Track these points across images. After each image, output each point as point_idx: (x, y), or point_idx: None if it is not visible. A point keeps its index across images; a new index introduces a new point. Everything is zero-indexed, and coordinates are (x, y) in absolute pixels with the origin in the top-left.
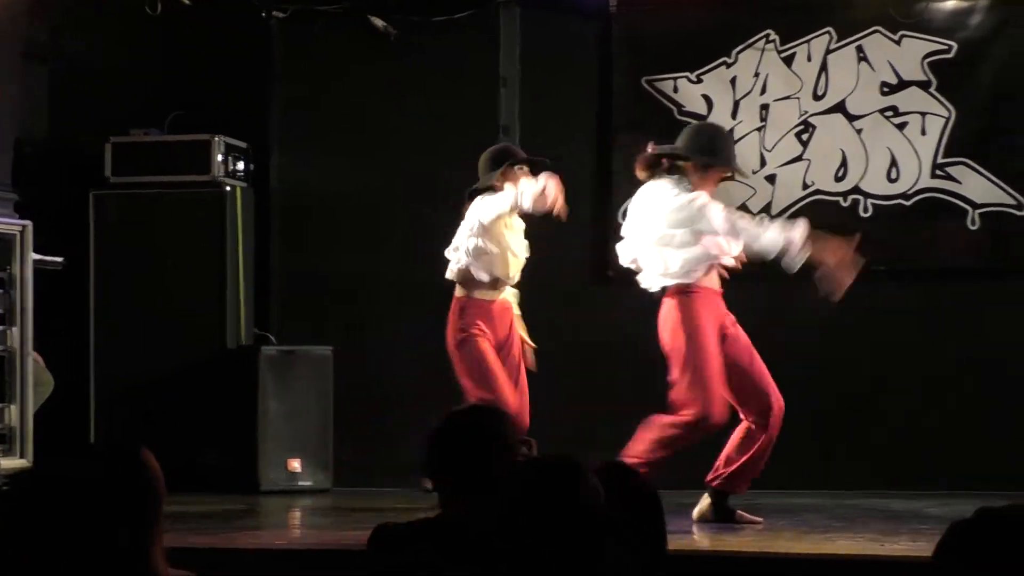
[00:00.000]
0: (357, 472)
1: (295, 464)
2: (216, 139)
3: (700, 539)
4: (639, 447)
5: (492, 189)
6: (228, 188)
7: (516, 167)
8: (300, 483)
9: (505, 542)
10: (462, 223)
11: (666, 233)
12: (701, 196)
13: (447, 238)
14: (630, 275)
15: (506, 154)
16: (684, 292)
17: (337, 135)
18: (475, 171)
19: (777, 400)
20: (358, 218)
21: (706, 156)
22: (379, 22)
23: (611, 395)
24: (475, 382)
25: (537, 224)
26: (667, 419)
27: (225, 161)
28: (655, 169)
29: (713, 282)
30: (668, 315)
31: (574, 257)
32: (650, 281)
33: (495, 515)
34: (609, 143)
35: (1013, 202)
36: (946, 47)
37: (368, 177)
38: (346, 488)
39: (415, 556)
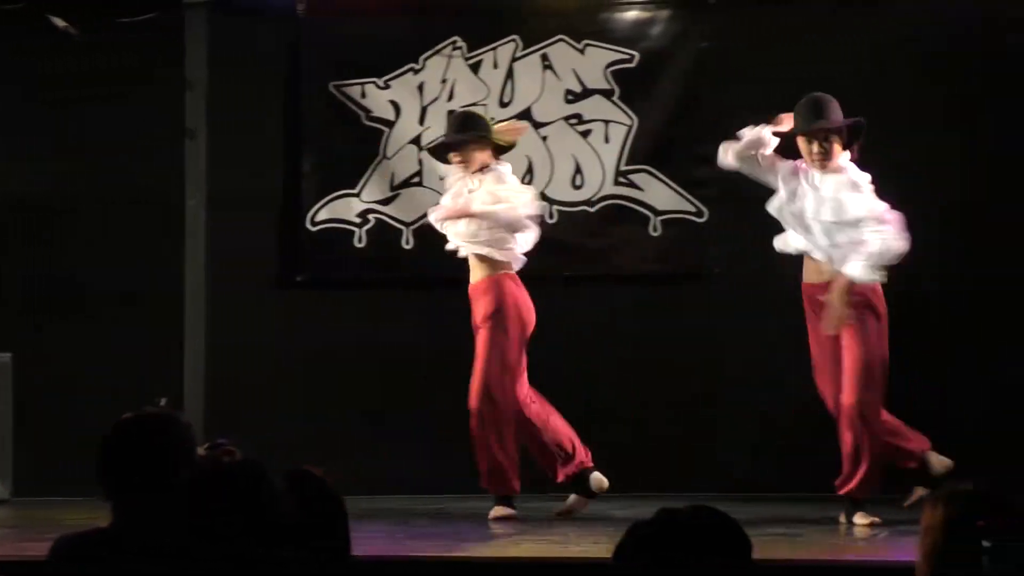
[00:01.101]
0: (38, 482)
1: None
2: None
3: (387, 544)
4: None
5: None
6: None
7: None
8: None
9: (184, 547)
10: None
11: None
12: None
13: (130, 241)
14: (323, 279)
15: (472, 128)
16: None
17: (16, 137)
18: (162, 175)
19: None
20: (37, 221)
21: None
22: (60, 22)
23: (301, 398)
24: None
25: (224, 228)
26: None
27: None
28: None
29: None
30: None
31: (263, 261)
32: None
33: (174, 521)
34: (298, 147)
35: (693, 209)
36: (628, 56)
37: (49, 180)
38: (26, 498)
39: (95, 566)
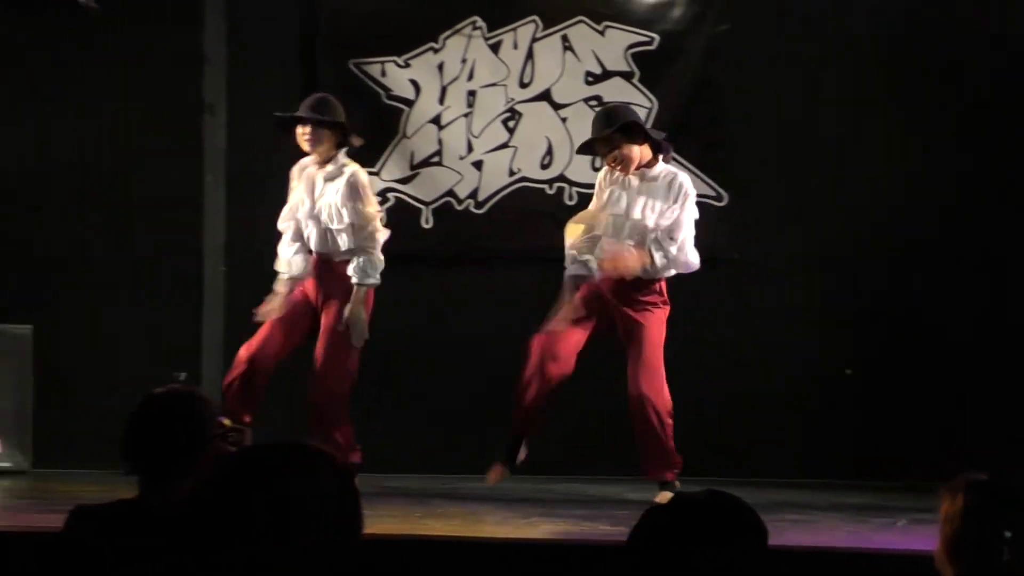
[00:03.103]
0: (58, 453)
1: None
2: None
3: (402, 524)
4: None
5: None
6: None
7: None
8: None
9: (204, 532)
10: None
11: None
12: None
13: (149, 214)
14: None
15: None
16: None
17: (39, 110)
18: (177, 151)
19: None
20: (57, 194)
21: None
22: None
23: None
24: None
25: (241, 203)
26: None
27: None
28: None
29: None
30: None
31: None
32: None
33: (198, 503)
34: None
35: (713, 193)
36: (648, 39)
37: (70, 153)
38: (46, 470)
39: (112, 537)
